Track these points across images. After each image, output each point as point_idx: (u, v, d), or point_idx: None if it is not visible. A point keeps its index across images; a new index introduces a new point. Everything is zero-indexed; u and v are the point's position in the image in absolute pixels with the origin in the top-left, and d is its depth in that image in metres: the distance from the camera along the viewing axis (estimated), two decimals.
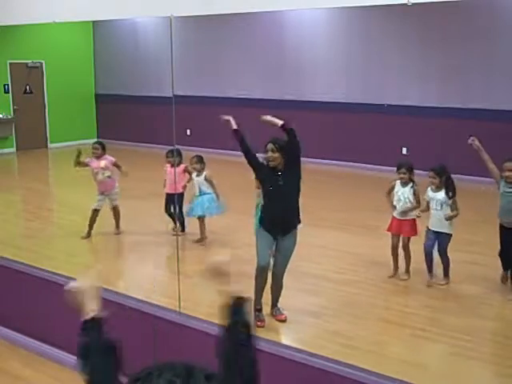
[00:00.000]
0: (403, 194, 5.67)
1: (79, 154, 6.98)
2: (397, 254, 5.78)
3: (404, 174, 5.68)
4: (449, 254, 5.53)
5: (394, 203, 5.73)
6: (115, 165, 7.08)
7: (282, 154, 4.56)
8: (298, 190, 4.67)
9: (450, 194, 5.39)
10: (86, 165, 7.07)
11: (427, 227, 5.56)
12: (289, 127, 4.60)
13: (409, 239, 5.71)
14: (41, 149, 13.83)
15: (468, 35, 9.97)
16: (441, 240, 5.48)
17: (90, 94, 15.01)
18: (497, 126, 9.81)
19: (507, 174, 5.29)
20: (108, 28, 14.35)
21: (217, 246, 6.74)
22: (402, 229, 5.70)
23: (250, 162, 4.69)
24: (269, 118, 4.78)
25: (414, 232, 5.72)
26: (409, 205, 5.64)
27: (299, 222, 4.74)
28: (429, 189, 5.51)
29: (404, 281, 5.70)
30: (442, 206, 5.41)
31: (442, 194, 5.42)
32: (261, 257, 4.66)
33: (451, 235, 5.49)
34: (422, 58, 10.53)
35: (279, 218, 4.64)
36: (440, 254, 5.52)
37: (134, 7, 4.61)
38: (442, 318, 5.03)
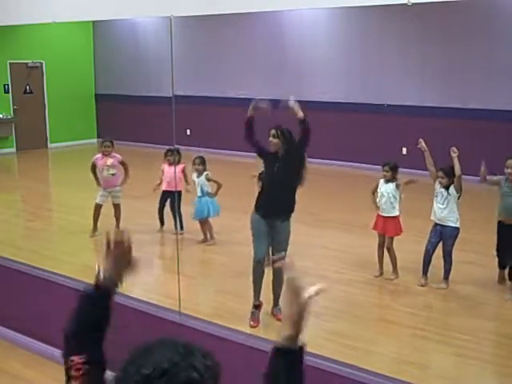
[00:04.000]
0: (386, 190, 5.70)
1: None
2: (383, 253, 5.80)
3: (387, 171, 5.72)
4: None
5: (378, 200, 5.75)
6: (122, 163, 7.14)
7: (283, 140, 4.68)
8: (296, 180, 4.71)
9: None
10: (94, 166, 7.13)
11: (433, 224, 5.54)
12: (304, 118, 4.74)
13: (392, 239, 5.73)
14: (41, 149, 13.82)
15: (468, 35, 9.97)
16: (446, 237, 5.46)
17: (90, 94, 15.00)
18: (497, 126, 9.81)
19: (509, 170, 5.31)
20: (108, 28, 14.34)
21: (219, 246, 6.75)
22: (386, 228, 5.72)
23: (252, 144, 4.84)
24: (296, 107, 4.82)
25: (398, 231, 5.74)
26: (392, 200, 5.66)
27: (292, 210, 4.75)
28: (437, 184, 5.50)
29: (392, 280, 5.69)
30: (445, 200, 5.41)
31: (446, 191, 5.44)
32: (257, 250, 4.68)
33: (458, 230, 5.45)
34: (422, 58, 10.53)
35: (270, 203, 4.67)
36: (444, 255, 5.50)
37: (134, 7, 4.61)
38: (441, 318, 5.03)
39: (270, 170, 4.73)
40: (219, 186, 6.71)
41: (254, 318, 4.73)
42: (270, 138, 4.71)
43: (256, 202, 4.81)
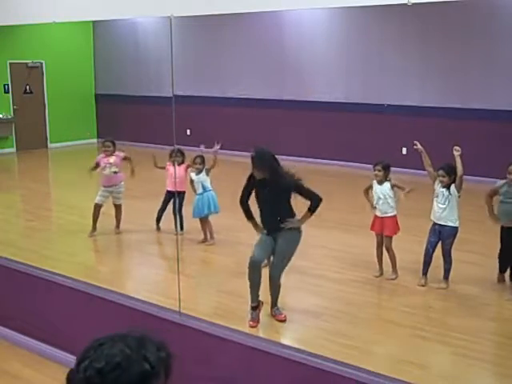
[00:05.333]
0: (382, 192, 5.68)
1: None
2: (381, 253, 5.79)
3: (379, 171, 5.67)
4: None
5: (375, 202, 5.74)
6: (126, 158, 7.17)
7: (261, 168, 4.66)
8: (288, 198, 4.74)
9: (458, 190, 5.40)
10: (97, 165, 7.13)
11: (432, 223, 5.53)
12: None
13: (391, 239, 5.72)
14: (41, 149, 13.82)
15: (468, 35, 9.97)
16: (445, 236, 5.45)
17: (90, 94, 15.01)
18: (497, 126, 9.81)
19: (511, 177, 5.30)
20: (108, 28, 14.35)
21: (219, 246, 6.75)
22: (384, 227, 5.71)
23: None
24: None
25: (396, 230, 5.73)
26: (390, 201, 5.65)
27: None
28: (437, 184, 5.49)
29: (392, 280, 5.69)
30: (446, 200, 5.40)
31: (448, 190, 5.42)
32: (253, 252, 4.68)
33: (457, 229, 5.44)
34: (422, 58, 10.53)
35: (268, 222, 4.76)
36: (443, 254, 5.50)
37: (134, 7, 4.61)
38: (441, 318, 5.03)
39: (261, 193, 4.76)
40: (215, 160, 6.70)
41: (253, 318, 4.72)
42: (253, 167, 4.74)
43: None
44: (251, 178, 4.84)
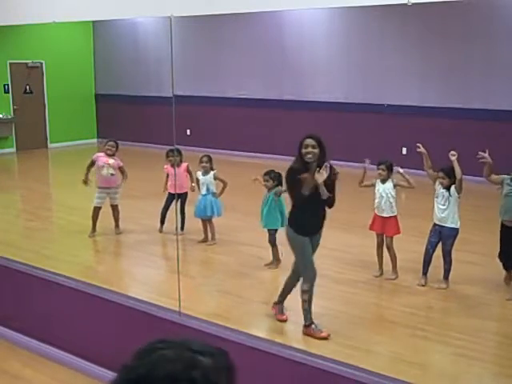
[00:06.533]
0: (384, 191, 5.69)
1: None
2: (382, 252, 5.80)
3: (383, 170, 5.71)
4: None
5: (376, 201, 5.75)
6: (120, 169, 7.12)
7: (321, 149, 4.54)
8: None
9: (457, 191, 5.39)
10: (93, 163, 7.11)
11: (433, 224, 5.54)
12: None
13: (392, 238, 5.72)
14: (41, 149, 13.82)
15: (468, 35, 9.97)
16: (445, 237, 5.45)
17: (90, 94, 15.00)
18: (497, 126, 9.81)
19: None
20: (108, 28, 14.34)
21: (220, 246, 6.75)
22: (385, 228, 5.72)
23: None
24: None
25: (397, 230, 5.73)
26: (391, 200, 5.65)
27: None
28: (438, 185, 5.49)
29: (392, 280, 5.68)
30: (446, 201, 5.39)
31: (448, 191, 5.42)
32: (311, 267, 4.59)
33: (457, 231, 5.44)
34: (422, 58, 10.53)
35: (311, 221, 4.57)
36: (443, 255, 5.50)
37: (134, 7, 4.61)
38: (442, 318, 5.03)
39: (304, 199, 4.44)
40: (225, 186, 6.69)
41: (282, 312, 4.71)
42: (309, 149, 4.49)
43: (293, 220, 4.58)
44: (294, 173, 4.48)
